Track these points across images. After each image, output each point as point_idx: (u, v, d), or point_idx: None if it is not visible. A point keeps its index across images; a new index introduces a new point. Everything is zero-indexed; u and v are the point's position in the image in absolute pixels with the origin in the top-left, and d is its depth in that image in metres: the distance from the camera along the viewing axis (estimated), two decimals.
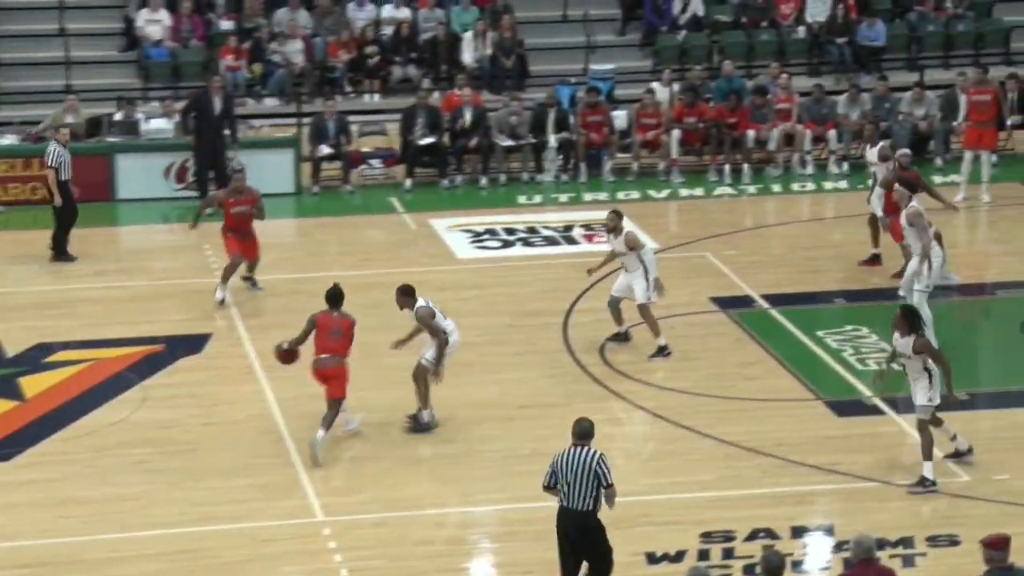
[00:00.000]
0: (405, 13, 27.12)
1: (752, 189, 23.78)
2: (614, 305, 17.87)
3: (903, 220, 17.80)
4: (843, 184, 23.79)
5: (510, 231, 21.91)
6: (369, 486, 15.03)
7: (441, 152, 23.99)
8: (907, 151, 19.90)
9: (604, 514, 12.50)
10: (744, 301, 19.25)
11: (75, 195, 20.88)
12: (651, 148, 24.39)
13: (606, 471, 12.39)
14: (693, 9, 27.49)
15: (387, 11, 27.21)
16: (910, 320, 14.82)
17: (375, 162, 24.20)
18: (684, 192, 23.70)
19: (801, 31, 27.32)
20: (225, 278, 19.17)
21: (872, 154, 20.27)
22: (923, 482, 14.82)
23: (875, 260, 20.08)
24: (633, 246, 17.61)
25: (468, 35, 26.73)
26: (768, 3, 27.69)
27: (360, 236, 22.20)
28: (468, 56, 26.57)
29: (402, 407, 16.58)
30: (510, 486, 14.95)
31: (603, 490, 12.40)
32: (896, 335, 14.86)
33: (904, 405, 16.19)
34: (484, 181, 23.91)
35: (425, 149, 23.93)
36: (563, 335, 18.34)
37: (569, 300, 19.14)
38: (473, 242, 21.51)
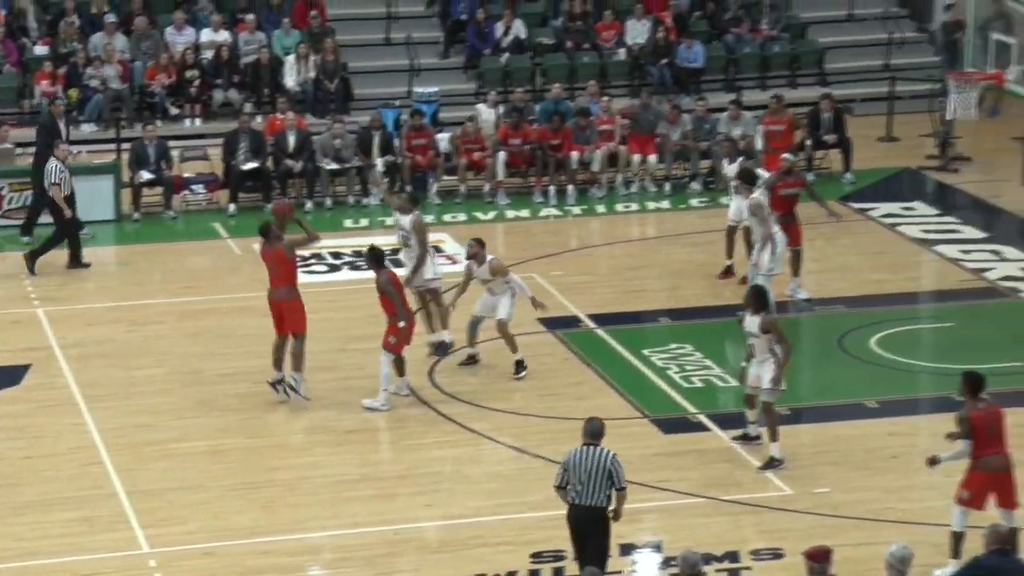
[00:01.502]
0: (225, 36, 26.95)
1: (577, 210, 24.01)
2: (475, 326, 18.01)
3: (746, 210, 18.78)
4: (665, 204, 24.12)
5: (337, 255, 21.85)
6: (196, 516, 14.88)
7: (265, 176, 23.84)
8: (788, 156, 20.52)
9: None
10: (571, 321, 19.42)
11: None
12: (476, 170, 24.51)
13: (620, 472, 12.59)
14: (515, 32, 27.73)
15: (206, 35, 27.01)
16: (758, 299, 15.45)
17: (197, 187, 23.95)
18: (510, 213, 23.86)
19: (622, 53, 27.71)
20: None
21: (731, 169, 20.73)
22: (772, 462, 15.34)
23: (728, 272, 20.43)
24: (498, 272, 17.81)
25: (290, 58, 26.63)
26: (589, 27, 28.04)
27: (183, 262, 22.00)
28: (291, 79, 26.49)
29: (232, 433, 16.50)
30: (341, 512, 14.94)
31: (615, 491, 12.61)
32: (747, 314, 15.44)
33: (729, 422, 16.52)
34: (309, 205, 23.79)
35: (248, 174, 23.77)
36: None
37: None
38: (300, 267, 21.27)
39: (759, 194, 19.03)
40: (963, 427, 13.49)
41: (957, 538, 13.52)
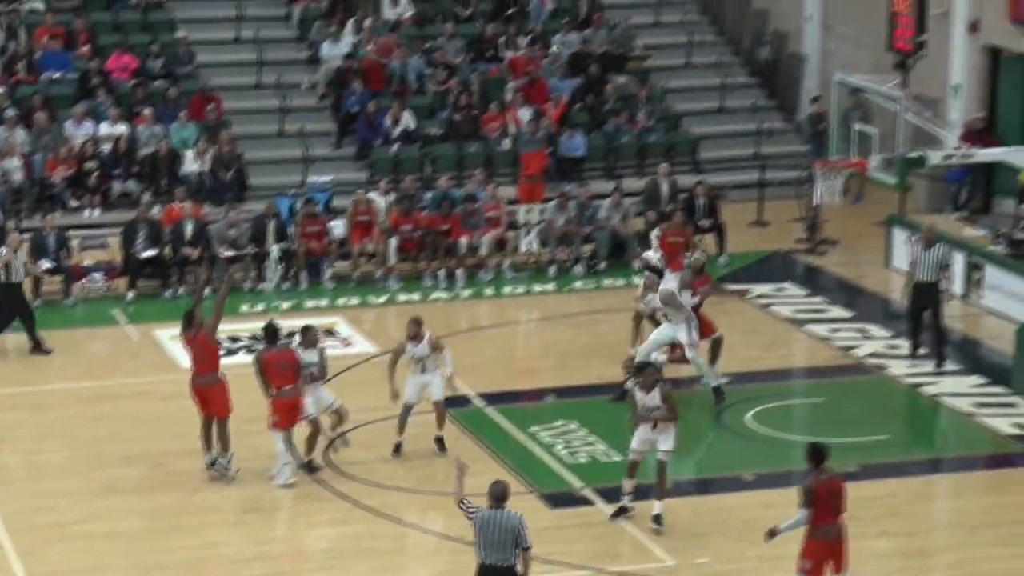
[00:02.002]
0: (122, 129, 27.37)
1: (466, 293, 24.53)
2: (407, 412, 18.30)
3: (658, 300, 19.29)
4: (550, 287, 24.64)
5: (234, 339, 22.20)
6: None
7: (163, 264, 24.31)
8: (698, 255, 20.72)
9: None
10: (461, 401, 19.81)
11: None
12: (369, 256, 25.05)
13: (525, 532, 13.19)
14: (405, 124, 28.36)
15: (105, 128, 27.37)
16: (651, 376, 16.29)
17: (97, 275, 24.32)
18: (402, 297, 24.24)
19: (507, 143, 28.41)
20: None
21: (653, 256, 20.78)
22: (657, 519, 16.30)
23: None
24: (437, 347, 18.26)
25: (189, 151, 27.12)
26: (475, 120, 28.74)
27: (83, 348, 22.13)
28: (188, 170, 26.91)
29: (132, 515, 16.76)
30: None
31: (521, 551, 13.17)
32: (641, 394, 16.24)
33: (613, 495, 17.16)
34: (206, 291, 24.15)
35: (147, 262, 24.20)
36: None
37: None
38: None
39: (665, 284, 19.23)
40: (805, 497, 13.96)
41: None
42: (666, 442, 16.36)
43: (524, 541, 13.25)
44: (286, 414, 17.42)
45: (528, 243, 25.30)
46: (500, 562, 13.19)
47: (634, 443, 16.57)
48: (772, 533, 14.14)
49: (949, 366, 21.32)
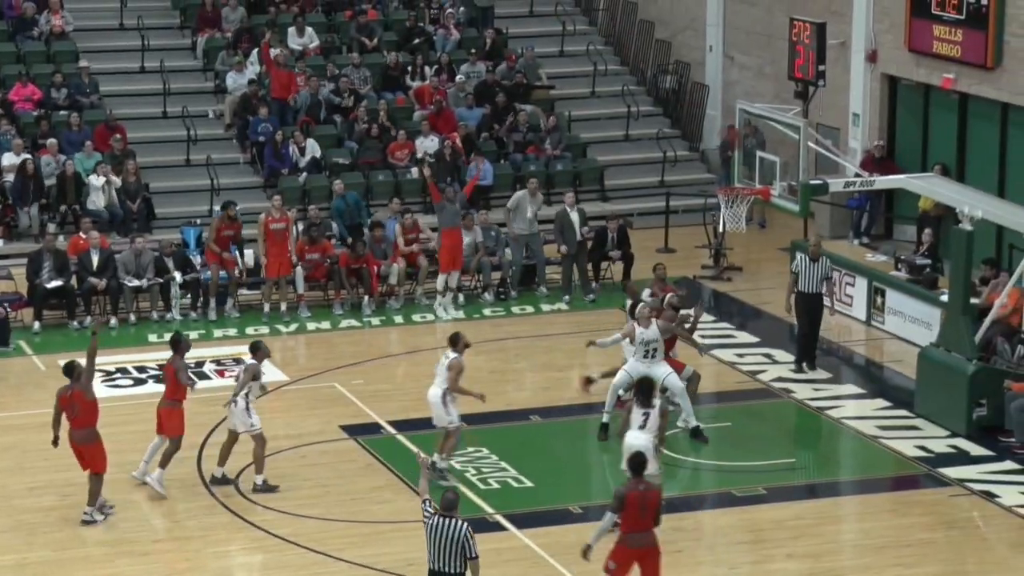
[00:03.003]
0: (26, 159, 27.14)
1: (376, 321, 24.64)
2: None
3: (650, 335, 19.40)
4: (460, 314, 24.70)
5: (141, 369, 22.19)
6: None
7: (69, 294, 24.16)
8: (672, 297, 20.50)
9: None
10: (372, 428, 19.93)
11: None
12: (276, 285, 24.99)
13: (471, 543, 13.48)
14: (311, 152, 28.44)
15: (8, 158, 27.16)
16: (647, 390, 16.90)
17: (2, 306, 24.16)
18: (311, 326, 24.30)
19: (414, 172, 28.52)
20: None
21: (646, 295, 21.04)
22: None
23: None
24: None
25: (93, 179, 26.97)
26: (383, 148, 28.85)
27: None
28: (94, 200, 26.81)
29: (38, 547, 16.67)
30: None
31: (468, 561, 13.49)
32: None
33: (524, 521, 17.29)
34: (113, 321, 24.14)
35: (53, 292, 24.06)
36: (198, 468, 18.75)
37: (202, 434, 19.54)
38: (105, 381, 21.71)
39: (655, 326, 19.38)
40: (615, 501, 14.46)
41: None
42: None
43: (471, 551, 13.60)
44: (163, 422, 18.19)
45: (443, 306, 24.96)
46: (446, 570, 13.54)
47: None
48: (587, 549, 14.54)
49: (851, 389, 21.66)
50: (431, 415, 18.45)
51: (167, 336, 23.47)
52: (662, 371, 19.30)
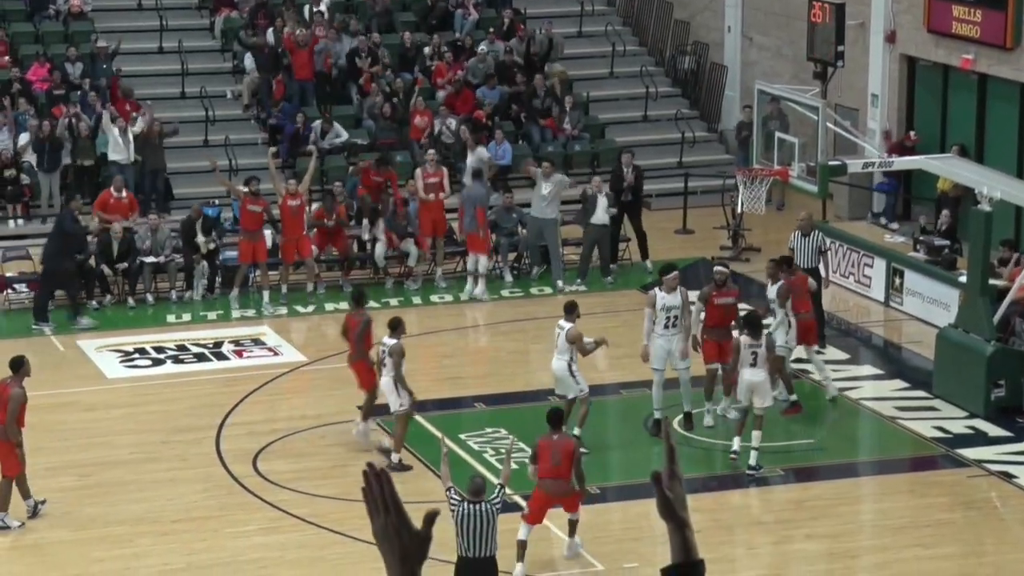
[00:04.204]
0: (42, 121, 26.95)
1: (394, 301, 24.45)
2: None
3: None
4: (486, 296, 24.47)
5: (160, 349, 22.18)
6: None
7: (87, 274, 24.13)
8: (721, 267, 20.30)
9: None
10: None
11: None
12: (296, 264, 24.88)
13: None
14: (336, 136, 28.22)
15: (24, 138, 26.92)
16: (756, 324, 17.85)
17: (20, 286, 24.19)
18: (329, 306, 24.29)
19: (432, 153, 28.33)
20: None
21: (772, 291, 20.58)
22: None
23: None
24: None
25: (109, 126, 26.47)
26: (401, 125, 28.78)
27: (6, 359, 22.04)
28: (114, 150, 26.28)
29: (57, 526, 16.70)
30: None
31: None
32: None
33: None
34: (132, 302, 24.13)
35: (73, 273, 24.01)
36: (216, 449, 18.82)
37: (221, 415, 19.61)
38: (123, 362, 21.75)
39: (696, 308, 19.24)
40: (533, 452, 15.80)
41: (521, 546, 15.35)
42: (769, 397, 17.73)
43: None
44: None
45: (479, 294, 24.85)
46: (480, 554, 13.62)
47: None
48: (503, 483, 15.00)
49: (870, 370, 21.62)
50: (555, 388, 18.67)
51: (186, 316, 23.77)
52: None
